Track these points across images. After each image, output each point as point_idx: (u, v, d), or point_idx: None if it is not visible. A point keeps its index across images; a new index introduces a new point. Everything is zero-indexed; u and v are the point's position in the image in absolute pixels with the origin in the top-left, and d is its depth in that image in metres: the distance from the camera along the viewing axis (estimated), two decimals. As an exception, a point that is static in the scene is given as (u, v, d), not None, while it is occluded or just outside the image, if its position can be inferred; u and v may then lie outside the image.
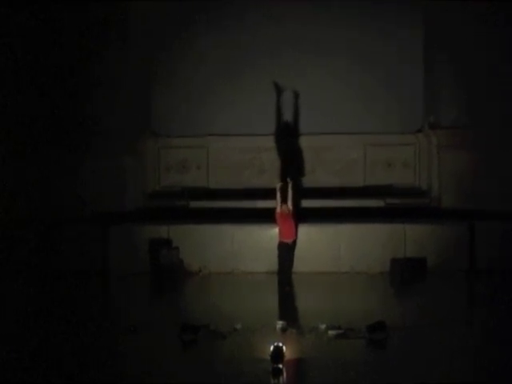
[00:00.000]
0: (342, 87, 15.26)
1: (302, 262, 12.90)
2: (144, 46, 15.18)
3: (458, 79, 14.49)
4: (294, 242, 12.29)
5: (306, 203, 14.67)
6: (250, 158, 15.44)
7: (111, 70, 14.66)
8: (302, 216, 13.35)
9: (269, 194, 14.70)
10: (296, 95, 14.97)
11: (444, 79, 14.65)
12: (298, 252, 12.66)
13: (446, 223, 13.70)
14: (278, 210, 12.14)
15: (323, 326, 9.28)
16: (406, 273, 13.08)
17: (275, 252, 12.34)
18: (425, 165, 15.11)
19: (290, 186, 12.38)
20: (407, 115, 15.13)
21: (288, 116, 15.26)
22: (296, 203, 12.78)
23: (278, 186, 12.29)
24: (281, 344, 8.02)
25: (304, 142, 15.25)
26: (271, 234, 13.16)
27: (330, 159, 15.33)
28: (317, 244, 13.36)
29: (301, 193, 15.01)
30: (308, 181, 15.15)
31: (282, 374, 7.78)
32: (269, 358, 7.94)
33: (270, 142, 15.29)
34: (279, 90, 14.96)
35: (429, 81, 15.10)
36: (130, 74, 14.83)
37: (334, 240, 13.56)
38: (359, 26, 15.17)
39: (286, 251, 12.06)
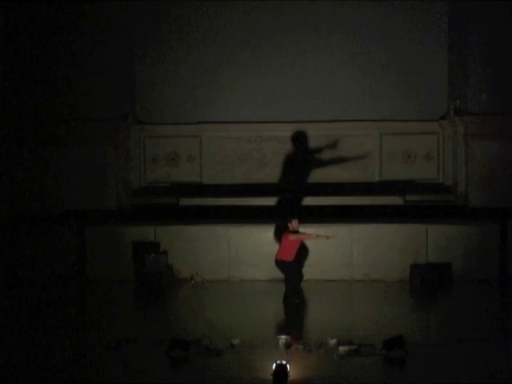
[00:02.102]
0: (354, 68, 15.26)
1: (309, 269, 12.90)
2: (128, 25, 15.14)
3: (487, 57, 14.46)
4: (293, 262, 12.18)
5: (313, 201, 14.68)
6: (249, 148, 15.44)
7: (90, 49, 14.64)
8: (308, 215, 13.33)
9: (270, 190, 14.76)
10: None
11: (472, 57, 14.61)
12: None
13: (475, 223, 13.70)
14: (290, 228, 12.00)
15: (333, 341, 9.29)
16: (428, 280, 13.08)
17: (278, 257, 12.35)
18: (450, 156, 15.09)
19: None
20: (429, 99, 15.10)
21: (294, 101, 15.25)
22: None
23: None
24: (284, 362, 8.02)
25: (311, 130, 15.23)
26: (273, 235, 13.16)
27: (340, 150, 15.30)
28: (326, 248, 13.33)
29: (307, 189, 15.03)
30: (315, 175, 15.14)
31: (286, 396, 7.79)
32: (270, 377, 7.93)
33: (272, 131, 15.28)
34: None
35: (454, 59, 15.08)
36: (112, 54, 14.79)
37: (345, 243, 13.55)
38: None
39: (283, 268, 12.01)
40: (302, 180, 15.17)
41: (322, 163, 15.28)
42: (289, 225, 12.08)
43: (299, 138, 15.28)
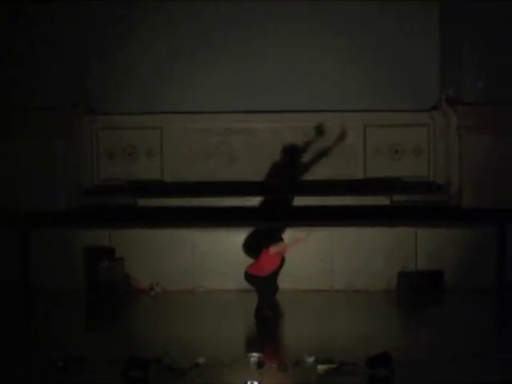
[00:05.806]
0: (333, 52, 15.29)
1: (283, 278, 12.85)
2: (83, 11, 15.11)
3: (484, 39, 14.54)
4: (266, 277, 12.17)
5: (288, 201, 14.68)
6: (216, 142, 15.44)
7: (38, 32, 14.61)
8: (282, 217, 13.37)
9: (240, 189, 14.74)
10: None
11: (467, 39, 14.70)
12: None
13: (469, 226, 13.82)
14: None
15: (311, 360, 9.31)
16: (417, 290, 13.14)
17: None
18: (442, 152, 15.17)
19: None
20: (419, 87, 15.16)
21: (266, 89, 15.27)
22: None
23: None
24: (256, 383, 8.02)
25: (286, 121, 15.25)
26: (244, 242, 13.19)
27: (319, 144, 15.33)
28: (303, 253, 13.36)
29: (281, 187, 15.03)
30: (290, 172, 15.14)
31: (258, 421, 7.82)
32: (240, 400, 7.94)
33: (242, 122, 15.27)
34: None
35: (447, 43, 15.16)
36: (62, 37, 14.77)
37: (324, 248, 13.63)
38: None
39: (254, 283, 12.01)
40: (274, 177, 15.16)
41: (298, 159, 15.30)
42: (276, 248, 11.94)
43: (272, 131, 15.30)
